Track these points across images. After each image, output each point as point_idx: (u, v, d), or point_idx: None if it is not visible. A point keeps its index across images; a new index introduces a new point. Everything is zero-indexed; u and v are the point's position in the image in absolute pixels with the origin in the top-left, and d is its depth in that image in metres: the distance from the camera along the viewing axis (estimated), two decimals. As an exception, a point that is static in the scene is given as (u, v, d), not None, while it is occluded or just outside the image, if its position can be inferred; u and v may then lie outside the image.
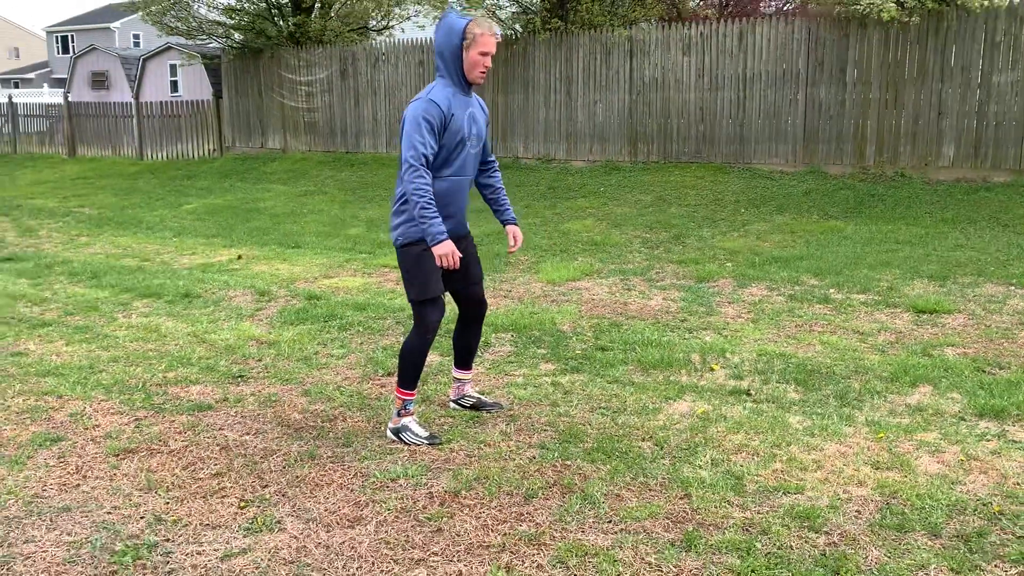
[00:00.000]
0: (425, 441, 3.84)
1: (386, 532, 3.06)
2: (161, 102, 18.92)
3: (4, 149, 21.65)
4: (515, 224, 4.12)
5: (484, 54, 3.61)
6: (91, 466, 3.65)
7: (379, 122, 15.56)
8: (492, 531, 3.05)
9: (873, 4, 10.45)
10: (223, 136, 17.98)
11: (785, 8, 19.24)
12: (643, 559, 2.84)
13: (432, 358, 5.28)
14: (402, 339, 5.69)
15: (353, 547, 2.96)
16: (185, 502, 3.31)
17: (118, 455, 3.77)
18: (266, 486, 3.45)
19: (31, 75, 51.76)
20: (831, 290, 7.01)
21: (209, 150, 18.21)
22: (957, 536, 2.97)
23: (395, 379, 3.99)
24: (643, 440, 3.88)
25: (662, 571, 2.77)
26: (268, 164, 16.45)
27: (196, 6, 16.61)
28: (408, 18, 17.39)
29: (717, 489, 3.35)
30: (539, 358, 5.27)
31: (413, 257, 3.75)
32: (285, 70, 16.50)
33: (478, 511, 3.20)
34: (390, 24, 17.93)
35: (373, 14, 17.17)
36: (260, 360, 5.28)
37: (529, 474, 3.52)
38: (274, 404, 4.45)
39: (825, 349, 5.38)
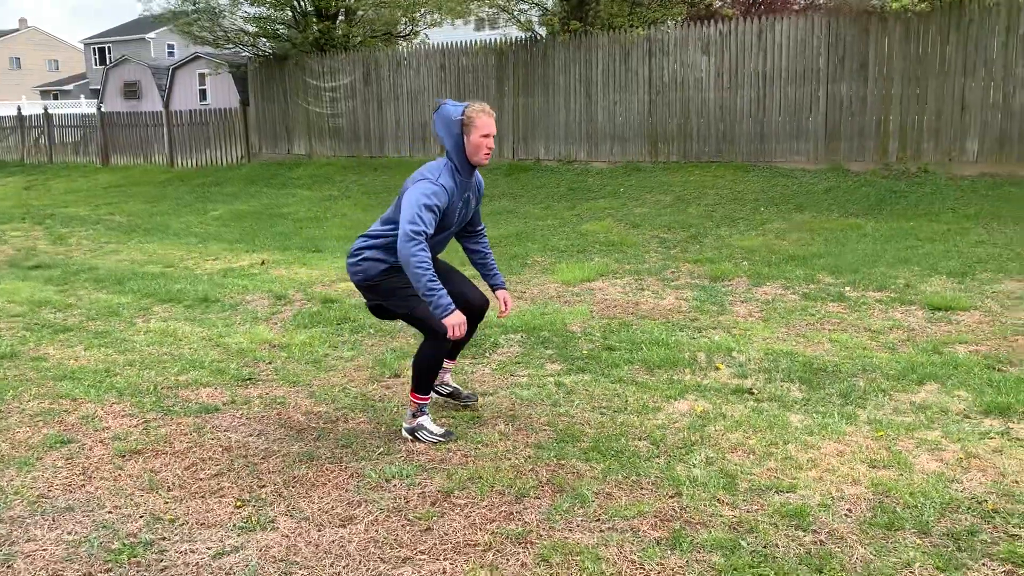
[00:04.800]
0: (441, 439, 3.89)
1: (376, 531, 3.10)
2: (190, 110, 19.25)
3: (41, 159, 22.14)
4: (504, 289, 4.26)
5: (486, 136, 3.70)
6: (97, 467, 3.74)
7: (402, 126, 15.68)
8: (480, 530, 3.08)
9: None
10: (250, 143, 18.23)
11: (810, 3, 19.05)
12: (627, 557, 2.85)
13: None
14: (412, 341, 5.75)
15: (342, 546, 3.00)
16: (184, 502, 3.39)
17: (124, 456, 3.86)
18: (263, 486, 3.51)
19: (70, 87, 52.84)
20: (846, 288, 6.94)
21: (237, 157, 18.48)
22: (947, 534, 2.95)
23: (404, 381, 4.04)
24: (640, 439, 3.89)
25: (644, 569, 2.78)
26: (293, 170, 16.64)
27: (222, 16, 16.86)
28: (436, 24, 17.50)
29: (708, 488, 3.35)
30: (546, 358, 5.29)
31: (390, 280, 3.85)
32: (310, 76, 16.69)
33: (468, 510, 3.24)
34: (416, 30, 18.07)
35: (402, 19, 17.32)
36: (270, 363, 5.36)
37: (523, 473, 3.54)
38: (279, 406, 4.52)
39: (834, 347, 5.33)
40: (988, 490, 3.27)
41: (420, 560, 2.89)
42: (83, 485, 3.56)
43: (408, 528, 3.12)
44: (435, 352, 3.87)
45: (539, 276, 7.90)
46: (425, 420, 3.97)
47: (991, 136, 10.50)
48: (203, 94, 20.48)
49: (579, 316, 6.29)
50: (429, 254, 3.65)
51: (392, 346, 5.66)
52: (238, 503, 3.36)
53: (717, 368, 4.99)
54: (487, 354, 5.43)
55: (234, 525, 3.18)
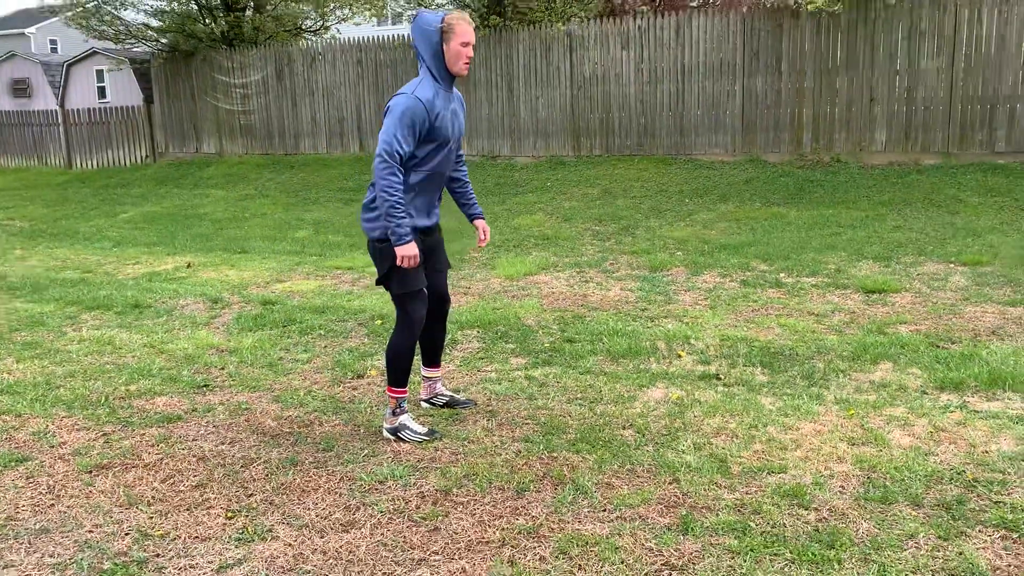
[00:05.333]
0: (426, 437, 3.83)
1: (382, 534, 3.03)
2: (89, 109, 18.31)
3: (-81, 162, 20.69)
4: (482, 219, 4.22)
5: (466, 44, 3.61)
6: (64, 485, 3.53)
7: (318, 123, 15.35)
8: (489, 527, 3.05)
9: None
10: (155, 142, 17.51)
11: (713, 2, 19.58)
12: (643, 545, 2.88)
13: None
14: (367, 340, 5.64)
15: (351, 551, 2.92)
16: (169, 516, 3.23)
17: (91, 472, 3.65)
18: (251, 495, 3.38)
19: (-59, 84, 49.51)
20: (781, 274, 7.17)
21: (141, 157, 17.71)
22: (938, 505, 3.08)
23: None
24: (624, 428, 3.92)
25: (663, 555, 2.81)
26: (204, 169, 16.08)
27: (123, 8, 16.12)
28: (346, 20, 17.21)
29: (703, 472, 3.41)
30: (508, 352, 5.27)
31: (393, 251, 3.71)
32: (218, 72, 16.14)
33: (472, 508, 3.20)
34: (327, 24, 17.68)
35: (313, 15, 16.93)
36: (223, 368, 5.17)
37: (517, 468, 3.52)
38: (245, 412, 4.36)
39: (784, 332, 5.50)
40: (963, 461, 3.44)
41: (435, 561, 2.84)
42: (53, 504, 3.35)
43: (415, 529, 3.06)
44: (404, 341, 3.81)
45: (480, 271, 7.87)
46: (406, 419, 3.90)
47: (897, 126, 11.04)
48: (102, 91, 19.47)
49: (531, 310, 6.30)
50: (400, 178, 3.53)
51: (347, 347, 5.54)
52: (229, 514, 3.22)
53: (679, 356, 5.08)
54: (448, 351, 5.37)
55: (230, 537, 3.05)
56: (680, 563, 2.76)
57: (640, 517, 3.07)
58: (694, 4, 19.53)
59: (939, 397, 4.22)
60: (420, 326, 3.85)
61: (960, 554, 2.74)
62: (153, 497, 3.39)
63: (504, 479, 3.42)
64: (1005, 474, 3.31)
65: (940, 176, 10.49)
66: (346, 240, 9.83)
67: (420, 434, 3.85)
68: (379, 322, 6.08)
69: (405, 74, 14.23)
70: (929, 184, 10.25)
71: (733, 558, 2.77)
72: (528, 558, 2.83)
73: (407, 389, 3.95)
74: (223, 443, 3.94)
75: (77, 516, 3.24)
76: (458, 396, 4.36)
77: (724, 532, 2.93)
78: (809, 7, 10.74)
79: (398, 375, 3.87)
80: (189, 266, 8.68)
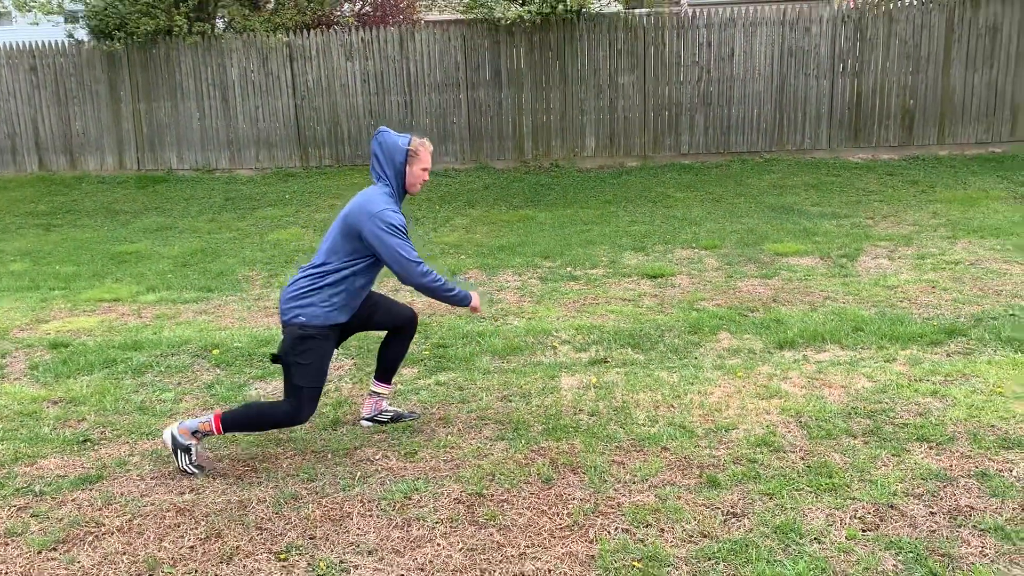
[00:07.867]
0: (196, 471, 3.75)
1: (460, 541, 3.08)
2: None
3: None
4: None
5: (425, 169, 3.94)
6: (36, 567, 3.01)
7: (-19, 139, 13.24)
8: (550, 516, 3.25)
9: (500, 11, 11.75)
10: None
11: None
12: (695, 503, 3.29)
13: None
14: (220, 373, 5.27)
15: (447, 562, 2.95)
16: (212, 572, 2.95)
17: (55, 548, 3.15)
18: (281, 535, 3.19)
19: None
20: (568, 268, 7.92)
21: None
22: (867, 433, 3.89)
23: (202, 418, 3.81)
24: (577, 414, 4.27)
25: (720, 507, 3.25)
26: None
27: None
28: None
29: (679, 438, 3.90)
30: (393, 364, 5.30)
31: (312, 342, 3.71)
32: None
33: (519, 503, 3.36)
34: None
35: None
36: (83, 420, 4.57)
37: (522, 463, 3.72)
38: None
39: (619, 317, 6.19)
40: (851, 399, 4.32)
41: (535, 552, 2.99)
42: (52, 590, 2.87)
43: (485, 529, 3.15)
44: (280, 419, 3.77)
45: (268, 290, 7.60)
46: (198, 445, 3.82)
47: (603, 134, 12.51)
48: None
49: (372, 322, 6.31)
50: (430, 269, 3.83)
51: (205, 381, 5.15)
52: (280, 556, 3.03)
53: (554, 347, 5.51)
54: (338, 369, 5.26)
55: (306, 577, 2.90)
56: (738, 510, 3.22)
57: (670, 483, 3.47)
58: (396, 21, 19.91)
59: (784, 355, 5.14)
60: (303, 422, 3.82)
61: (917, 464, 3.55)
62: (169, 558, 3.05)
63: (522, 474, 3.61)
64: (883, 404, 4.24)
65: (644, 176, 12.11)
66: (85, 269, 8.79)
67: (194, 465, 3.77)
68: (215, 351, 5.71)
69: (95, 82, 12.85)
70: (640, 184, 11.80)
71: (771, 499, 3.30)
72: (614, 532, 3.10)
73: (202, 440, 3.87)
74: (185, 492, 3.59)
75: (102, 595, 2.83)
76: (401, 410, 4.39)
77: (744, 480, 3.45)
78: (509, 14, 11.69)
79: (240, 428, 3.82)
80: (-99, 314, 7.20)
